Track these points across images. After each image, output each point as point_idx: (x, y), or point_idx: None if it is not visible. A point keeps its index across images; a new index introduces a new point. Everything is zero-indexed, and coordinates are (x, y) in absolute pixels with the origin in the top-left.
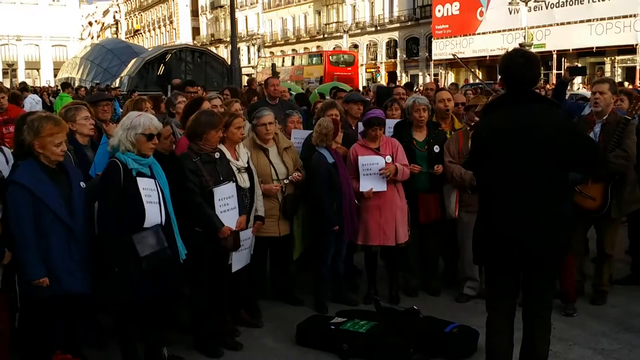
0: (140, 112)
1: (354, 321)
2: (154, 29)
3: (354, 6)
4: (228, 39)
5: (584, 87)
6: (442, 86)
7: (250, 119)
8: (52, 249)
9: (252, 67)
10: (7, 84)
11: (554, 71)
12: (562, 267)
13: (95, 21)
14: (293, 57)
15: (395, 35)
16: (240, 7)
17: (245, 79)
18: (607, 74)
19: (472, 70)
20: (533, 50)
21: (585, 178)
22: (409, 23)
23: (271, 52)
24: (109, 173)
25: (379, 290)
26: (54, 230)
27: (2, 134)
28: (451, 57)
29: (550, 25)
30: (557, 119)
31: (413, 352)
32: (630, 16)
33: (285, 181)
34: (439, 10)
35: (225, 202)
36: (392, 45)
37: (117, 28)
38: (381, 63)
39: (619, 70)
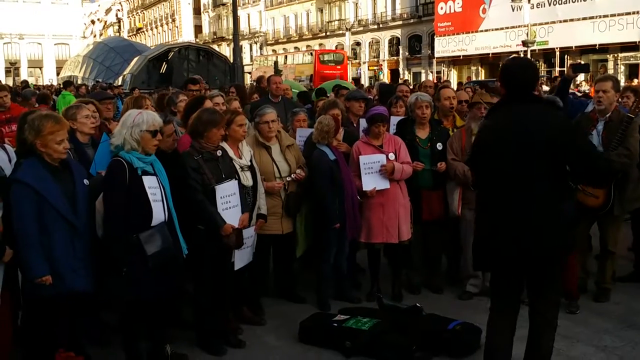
0: (141, 109)
1: (356, 319)
2: (156, 27)
3: (357, 4)
4: (230, 37)
5: (587, 85)
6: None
7: (252, 117)
8: (55, 247)
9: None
10: (9, 83)
11: (557, 68)
12: (564, 265)
13: (98, 19)
14: (285, 56)
15: (397, 32)
16: (243, 4)
17: (247, 77)
18: (610, 71)
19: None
20: (536, 47)
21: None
22: (412, 20)
23: (273, 50)
24: (114, 173)
25: (382, 287)
26: (57, 228)
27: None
28: (454, 54)
29: (553, 22)
30: (557, 120)
31: (416, 349)
32: (633, 13)
33: (288, 179)
34: (442, 8)
35: (227, 199)
36: (394, 43)
37: (119, 26)
38: (384, 61)
39: (622, 68)
